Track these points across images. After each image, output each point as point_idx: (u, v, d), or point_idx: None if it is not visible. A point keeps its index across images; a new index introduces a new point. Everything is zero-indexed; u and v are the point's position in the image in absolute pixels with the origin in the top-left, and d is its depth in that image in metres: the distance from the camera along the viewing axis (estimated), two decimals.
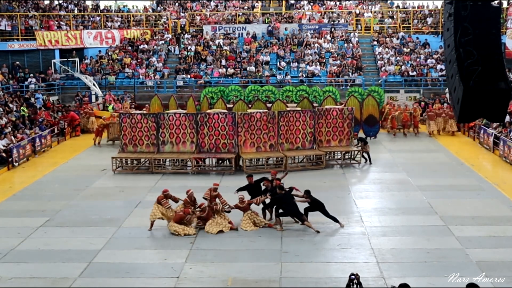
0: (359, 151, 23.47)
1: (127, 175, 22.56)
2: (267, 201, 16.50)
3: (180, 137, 22.77)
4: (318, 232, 15.67)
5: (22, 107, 30.68)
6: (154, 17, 43.18)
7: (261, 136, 22.61)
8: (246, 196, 16.88)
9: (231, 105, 27.55)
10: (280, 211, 16.18)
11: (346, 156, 23.90)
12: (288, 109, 23.96)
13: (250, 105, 26.81)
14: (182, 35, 40.04)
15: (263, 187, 16.91)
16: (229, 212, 16.39)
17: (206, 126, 22.46)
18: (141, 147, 23.07)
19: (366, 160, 23.52)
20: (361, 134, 27.43)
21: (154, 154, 22.82)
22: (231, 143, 22.44)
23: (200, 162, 22.64)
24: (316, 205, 16.19)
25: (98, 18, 41.54)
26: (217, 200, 16.26)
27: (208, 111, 24.09)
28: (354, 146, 23.92)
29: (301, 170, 22.61)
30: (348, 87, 33.94)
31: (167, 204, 16.19)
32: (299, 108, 24.30)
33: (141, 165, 23.28)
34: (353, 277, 10.99)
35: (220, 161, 23.11)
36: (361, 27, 41.20)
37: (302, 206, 16.25)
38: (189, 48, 38.69)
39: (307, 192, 16.33)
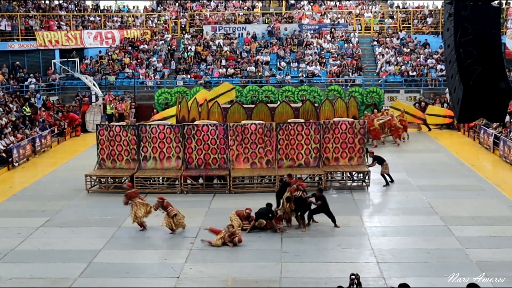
0: (368, 172, 20.31)
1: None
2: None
3: (165, 152, 20.47)
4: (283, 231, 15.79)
5: (24, 107, 30.71)
6: (153, 18, 43.18)
7: (257, 151, 20.33)
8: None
9: (228, 105, 27.08)
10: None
11: (355, 177, 20.86)
12: (289, 121, 21.31)
13: (253, 106, 25.72)
14: (175, 50, 39.69)
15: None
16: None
17: (193, 140, 20.24)
18: (120, 163, 20.71)
19: (387, 183, 20.39)
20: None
21: (134, 171, 20.32)
22: (222, 158, 20.26)
23: (191, 181, 20.10)
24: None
25: (98, 18, 41.55)
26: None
27: (197, 122, 21.55)
28: (367, 165, 20.76)
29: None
30: (348, 87, 33.95)
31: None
32: (302, 120, 21.58)
33: (118, 183, 20.61)
34: (353, 277, 11.02)
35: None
36: (361, 27, 41.19)
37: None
38: (189, 48, 38.69)
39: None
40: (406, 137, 28.55)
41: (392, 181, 20.69)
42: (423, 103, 32.94)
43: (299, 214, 16.12)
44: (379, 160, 20.61)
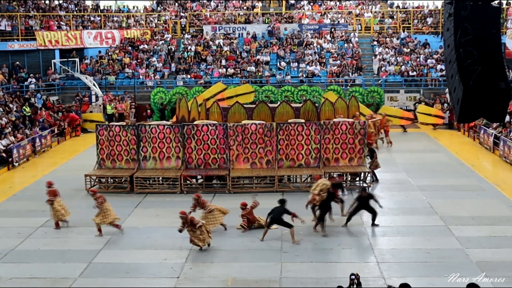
0: (369, 172, 20.30)
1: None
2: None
3: (164, 152, 20.46)
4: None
5: (24, 107, 30.71)
6: (153, 18, 43.17)
7: (257, 151, 20.32)
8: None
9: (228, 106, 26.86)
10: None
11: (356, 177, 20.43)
12: (289, 121, 21.13)
13: (254, 106, 25.53)
14: (176, 50, 39.60)
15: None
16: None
17: (193, 140, 20.29)
18: (120, 163, 20.68)
19: (376, 179, 20.65)
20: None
21: (134, 171, 20.29)
22: (222, 158, 20.30)
23: (190, 180, 20.31)
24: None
25: (98, 18, 41.55)
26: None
27: (197, 122, 21.42)
28: (369, 164, 20.57)
29: (295, 191, 19.58)
30: (348, 87, 33.96)
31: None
32: (302, 120, 21.38)
33: (118, 183, 20.61)
34: (353, 277, 11.01)
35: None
36: (361, 27, 41.19)
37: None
38: (189, 48, 38.69)
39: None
40: (387, 141, 27.08)
41: (376, 180, 20.70)
42: (423, 103, 32.95)
43: (320, 215, 15.89)
44: (371, 152, 20.68)
